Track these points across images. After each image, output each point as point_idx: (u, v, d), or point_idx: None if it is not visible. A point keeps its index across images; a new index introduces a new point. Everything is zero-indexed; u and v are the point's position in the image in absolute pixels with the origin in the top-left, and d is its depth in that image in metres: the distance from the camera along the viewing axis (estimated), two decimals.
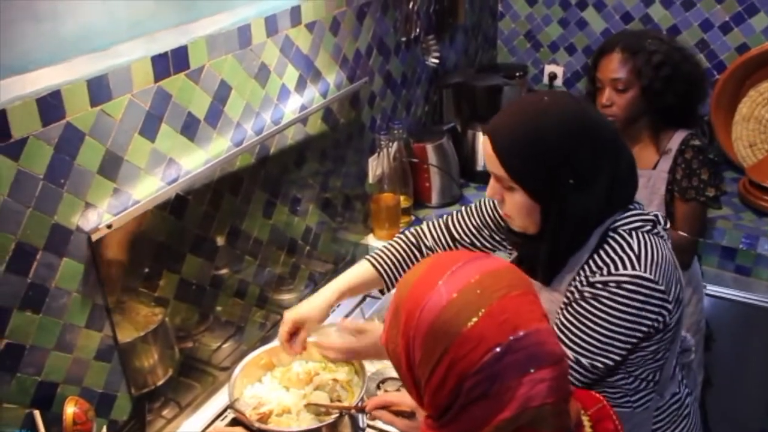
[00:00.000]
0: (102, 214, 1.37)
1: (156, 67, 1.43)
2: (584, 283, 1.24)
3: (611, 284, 1.21)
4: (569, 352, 1.25)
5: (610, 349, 1.23)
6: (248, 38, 1.66)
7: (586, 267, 1.25)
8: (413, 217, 2.43)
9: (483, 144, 1.26)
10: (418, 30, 2.43)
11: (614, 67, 1.86)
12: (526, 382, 0.87)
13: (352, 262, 2.29)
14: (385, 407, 1.37)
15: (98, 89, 1.30)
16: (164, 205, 1.50)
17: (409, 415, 1.35)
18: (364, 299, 2.11)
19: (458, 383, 0.87)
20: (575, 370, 1.25)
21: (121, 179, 1.40)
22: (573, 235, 1.25)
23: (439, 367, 0.88)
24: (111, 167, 1.37)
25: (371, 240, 2.35)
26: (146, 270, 1.50)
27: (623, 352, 1.24)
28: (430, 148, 2.45)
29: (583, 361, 1.24)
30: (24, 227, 1.22)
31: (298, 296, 2.04)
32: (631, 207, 1.29)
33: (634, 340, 1.23)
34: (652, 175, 1.93)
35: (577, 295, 1.26)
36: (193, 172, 1.56)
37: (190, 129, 1.55)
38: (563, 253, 1.27)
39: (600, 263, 1.24)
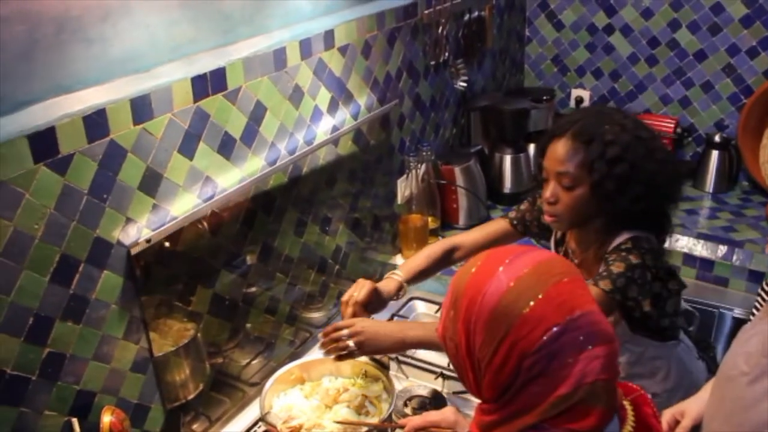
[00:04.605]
0: (141, 229, 1.42)
1: (195, 88, 1.47)
2: None
3: None
4: None
5: None
6: (283, 61, 1.71)
7: None
8: (440, 238, 2.45)
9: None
10: (446, 54, 2.47)
11: (561, 158, 1.46)
12: (582, 358, 0.94)
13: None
14: (425, 427, 1.41)
15: (141, 108, 1.35)
16: (200, 222, 1.54)
17: None
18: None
19: (518, 362, 0.94)
20: None
21: (160, 195, 1.44)
22: None
23: (500, 348, 0.95)
24: (151, 184, 1.42)
25: (399, 260, 2.37)
26: (181, 285, 1.54)
27: None
28: (457, 170, 2.48)
29: None
30: (68, 240, 1.26)
31: (327, 314, 2.07)
32: None
33: None
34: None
35: None
36: (229, 190, 1.60)
37: (226, 148, 1.60)
38: None
39: None
